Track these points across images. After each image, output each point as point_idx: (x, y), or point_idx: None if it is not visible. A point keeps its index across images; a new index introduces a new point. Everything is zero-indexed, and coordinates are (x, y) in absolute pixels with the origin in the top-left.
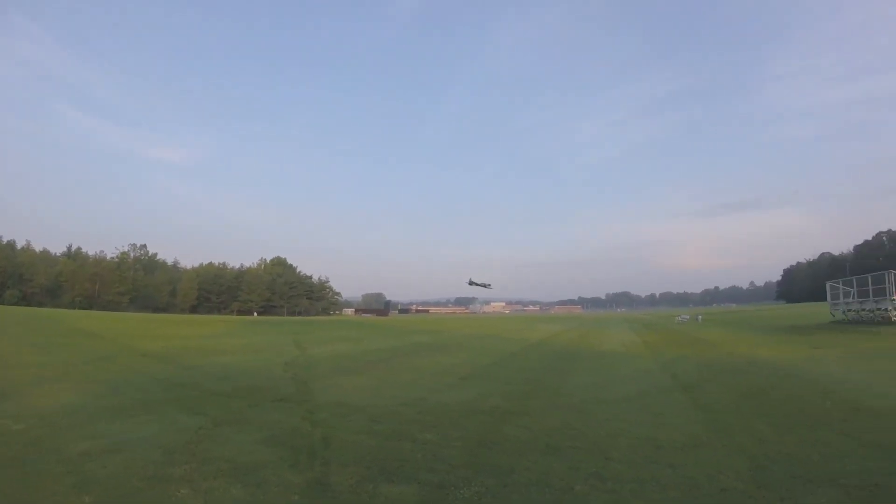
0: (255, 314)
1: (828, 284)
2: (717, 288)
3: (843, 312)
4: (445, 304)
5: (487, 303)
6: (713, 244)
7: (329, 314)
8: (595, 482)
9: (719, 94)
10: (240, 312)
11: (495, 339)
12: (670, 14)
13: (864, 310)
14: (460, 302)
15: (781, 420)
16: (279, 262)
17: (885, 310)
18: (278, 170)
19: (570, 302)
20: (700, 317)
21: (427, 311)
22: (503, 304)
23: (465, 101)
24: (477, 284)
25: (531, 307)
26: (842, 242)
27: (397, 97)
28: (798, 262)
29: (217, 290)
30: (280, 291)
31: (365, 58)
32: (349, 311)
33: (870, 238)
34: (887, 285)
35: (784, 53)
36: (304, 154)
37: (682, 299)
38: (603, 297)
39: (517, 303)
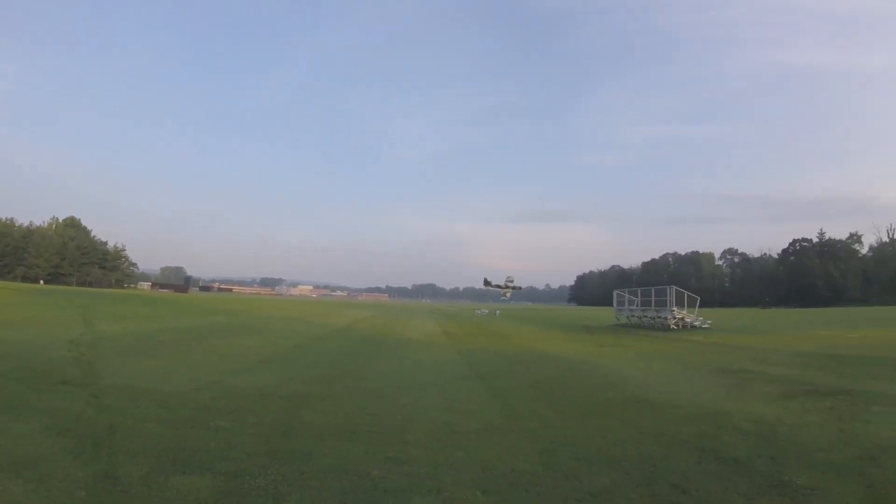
0: (42, 282)
1: (615, 292)
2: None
3: (627, 317)
4: (251, 283)
5: (294, 285)
6: (517, 247)
7: (123, 287)
8: (392, 466)
9: (540, 115)
10: (24, 279)
11: (299, 322)
12: (513, 33)
13: (646, 316)
14: (266, 283)
15: (568, 408)
16: (72, 224)
17: (665, 318)
18: (79, 115)
19: (378, 290)
20: (498, 312)
21: (230, 289)
22: (310, 287)
23: (293, 80)
24: (495, 286)
25: (339, 293)
26: (631, 258)
27: (223, 67)
28: (591, 271)
29: (0, 251)
30: (71, 258)
31: (192, 25)
32: (145, 285)
33: (657, 257)
34: (668, 298)
35: (603, 89)
36: (111, 106)
37: (484, 295)
38: (409, 287)
39: (325, 287)
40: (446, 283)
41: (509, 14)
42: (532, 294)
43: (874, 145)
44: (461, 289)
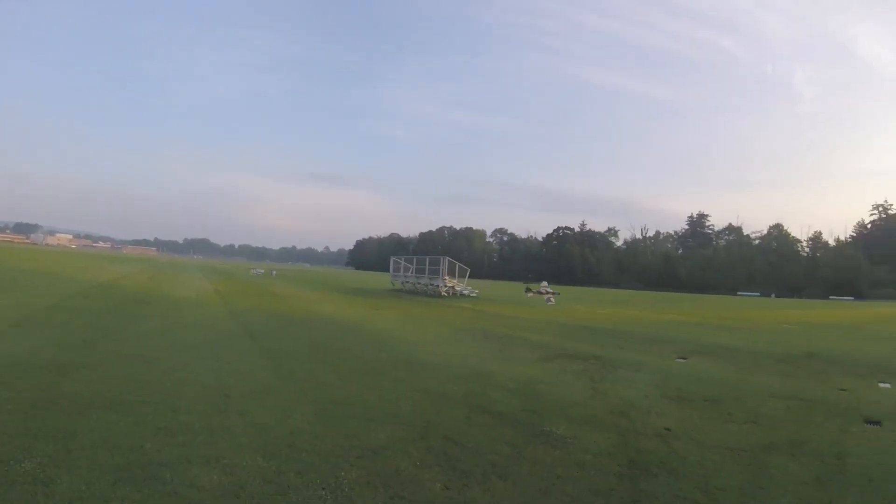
0: None
1: (392, 258)
2: (294, 247)
3: (402, 283)
4: (2, 229)
5: (52, 233)
6: (299, 207)
7: None
8: (165, 437)
9: (341, 78)
10: None
11: (56, 277)
12: None
13: (419, 283)
14: (21, 229)
15: (343, 369)
16: None
17: (437, 286)
18: None
19: (146, 243)
20: (274, 272)
21: None
22: (70, 237)
23: None
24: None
25: (101, 244)
26: (410, 228)
27: None
28: (370, 237)
29: None
30: None
31: None
32: None
33: (434, 229)
34: (441, 267)
35: (407, 66)
36: None
37: (260, 253)
38: (181, 241)
39: (86, 237)
40: (221, 240)
41: None
42: (310, 256)
43: (635, 157)
44: (236, 246)
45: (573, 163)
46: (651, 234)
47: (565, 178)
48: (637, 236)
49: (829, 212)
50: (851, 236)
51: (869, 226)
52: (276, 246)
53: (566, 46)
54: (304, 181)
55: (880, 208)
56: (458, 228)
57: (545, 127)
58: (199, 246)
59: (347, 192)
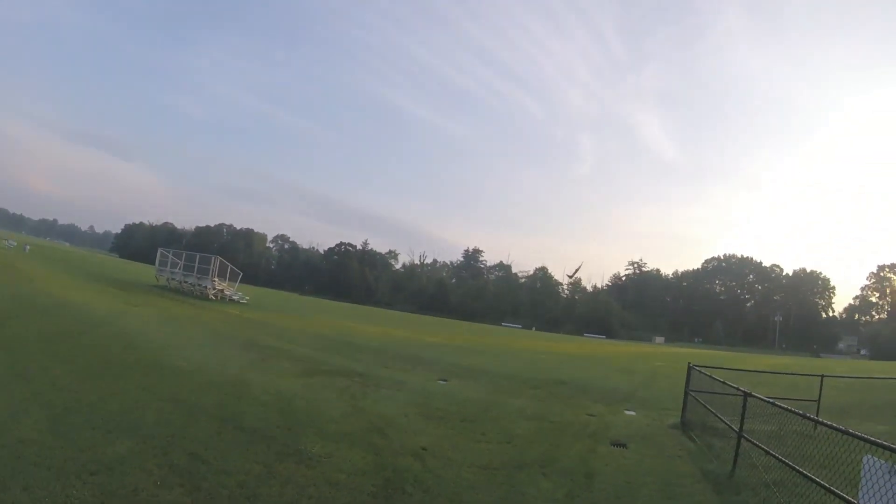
0: None
1: (160, 250)
2: (56, 221)
3: (168, 279)
4: None
5: None
6: (65, 173)
7: None
8: None
9: (150, 24)
10: None
11: None
12: None
13: (186, 282)
14: None
15: (84, 369)
16: None
17: (206, 287)
18: None
19: None
20: (28, 247)
21: None
22: None
23: None
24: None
25: None
26: (186, 219)
27: None
28: (142, 222)
29: None
30: None
31: None
32: None
33: (212, 225)
34: (212, 267)
35: (225, 34)
36: None
37: (16, 222)
38: None
39: None
40: None
41: None
42: (73, 234)
43: (425, 185)
44: None
45: (365, 179)
46: (429, 260)
47: (355, 193)
48: (416, 261)
49: (590, 262)
50: (607, 284)
51: (623, 278)
52: (35, 216)
53: (383, 67)
54: (81, 141)
55: (635, 264)
56: (238, 228)
57: (343, 138)
58: None
59: (125, 166)
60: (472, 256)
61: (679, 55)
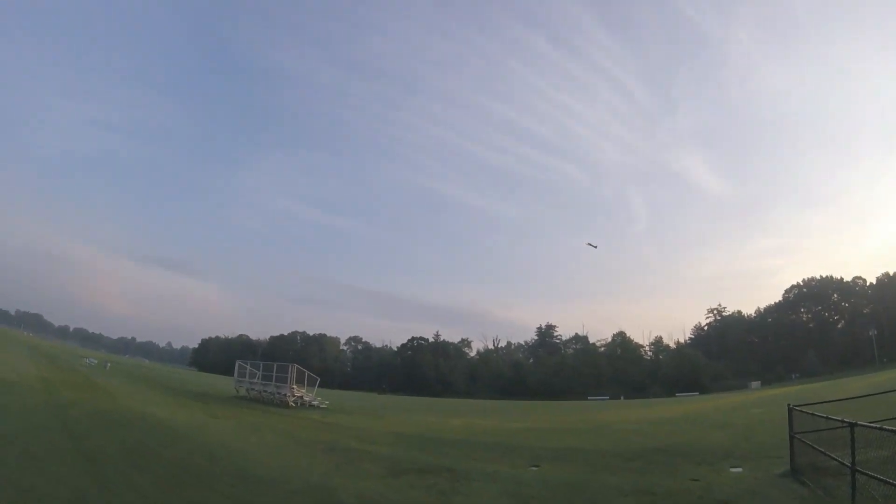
0: None
1: (238, 362)
2: (134, 339)
3: (247, 390)
4: None
5: None
6: (141, 294)
7: None
8: None
9: (203, 147)
10: None
11: None
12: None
13: (266, 391)
14: None
15: (168, 479)
16: None
17: (285, 395)
18: None
19: None
20: (109, 364)
21: None
22: None
23: None
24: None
25: None
26: (260, 330)
27: None
28: (217, 336)
29: None
30: None
31: None
32: None
33: (286, 333)
34: (290, 375)
35: (267, 155)
36: None
37: (96, 340)
38: (12, 312)
39: None
40: (56, 318)
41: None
42: (151, 350)
43: (488, 270)
44: (72, 329)
45: (427, 272)
46: (503, 344)
47: (421, 287)
48: (489, 346)
49: (667, 318)
50: (690, 338)
51: (705, 327)
52: (114, 335)
53: (427, 161)
54: (151, 264)
55: (714, 311)
56: (311, 334)
57: (400, 235)
58: (32, 321)
59: (195, 284)
60: (547, 333)
61: (705, 90)
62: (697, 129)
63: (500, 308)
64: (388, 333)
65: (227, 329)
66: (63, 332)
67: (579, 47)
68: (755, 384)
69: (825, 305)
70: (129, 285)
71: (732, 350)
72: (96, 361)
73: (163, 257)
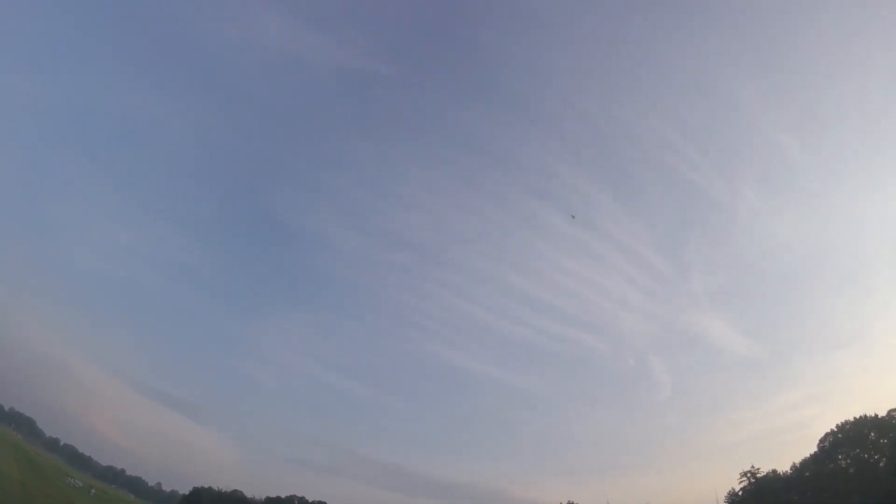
0: None
1: None
2: (123, 470)
3: None
4: None
5: None
6: (139, 426)
7: None
8: None
9: (219, 303)
10: None
11: None
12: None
13: None
14: None
15: None
16: None
17: None
18: None
19: None
20: (93, 490)
21: None
22: None
23: None
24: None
25: None
26: (257, 486)
27: None
28: (210, 487)
29: None
30: None
31: None
32: None
33: (283, 496)
34: None
35: (289, 313)
36: None
37: (83, 462)
38: (6, 409)
39: None
40: (48, 428)
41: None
42: (138, 487)
43: (504, 444)
44: (62, 443)
45: (441, 446)
46: None
47: (432, 461)
48: None
49: (698, 485)
50: None
51: (740, 492)
52: (103, 461)
53: (443, 330)
54: (154, 397)
55: (748, 474)
56: (310, 501)
57: (415, 406)
58: (24, 424)
59: (196, 427)
60: None
61: (716, 250)
62: (713, 290)
63: (518, 486)
64: None
65: (222, 480)
66: (52, 445)
67: (593, 219)
68: None
69: (863, 447)
70: (128, 414)
71: None
72: (81, 484)
73: (168, 393)
